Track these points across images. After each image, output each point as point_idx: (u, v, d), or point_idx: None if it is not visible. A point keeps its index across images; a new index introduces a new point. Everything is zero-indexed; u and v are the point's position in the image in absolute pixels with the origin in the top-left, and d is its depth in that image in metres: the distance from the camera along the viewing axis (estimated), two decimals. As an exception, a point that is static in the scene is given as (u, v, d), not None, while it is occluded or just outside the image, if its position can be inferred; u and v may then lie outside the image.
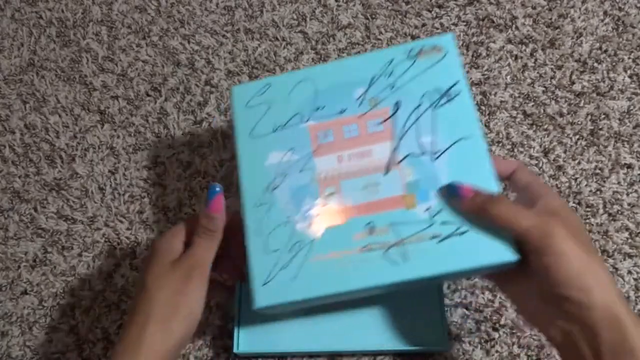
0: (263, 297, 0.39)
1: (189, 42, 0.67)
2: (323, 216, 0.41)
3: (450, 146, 0.41)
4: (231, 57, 0.66)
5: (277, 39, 0.66)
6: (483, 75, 0.62)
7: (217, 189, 0.40)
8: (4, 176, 0.62)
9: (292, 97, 0.45)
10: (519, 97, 0.61)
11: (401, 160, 0.41)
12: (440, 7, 0.66)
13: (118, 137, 0.62)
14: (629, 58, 0.62)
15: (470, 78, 0.62)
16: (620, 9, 0.64)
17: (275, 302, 0.39)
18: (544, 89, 0.61)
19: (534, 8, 0.65)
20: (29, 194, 0.61)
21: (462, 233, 0.38)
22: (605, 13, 0.64)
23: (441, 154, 0.41)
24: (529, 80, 0.61)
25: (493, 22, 0.65)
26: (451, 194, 0.39)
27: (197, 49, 0.66)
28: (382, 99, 0.43)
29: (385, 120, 0.42)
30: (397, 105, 0.43)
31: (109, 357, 0.38)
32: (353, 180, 0.41)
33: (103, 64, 0.67)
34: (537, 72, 0.62)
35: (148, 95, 0.64)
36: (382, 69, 0.44)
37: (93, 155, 0.62)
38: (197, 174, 0.60)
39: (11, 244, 0.58)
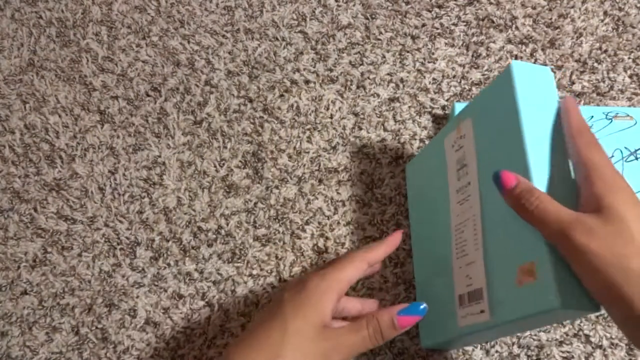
0: None
1: (189, 42, 0.67)
2: None
3: (635, 194, 0.48)
4: (231, 57, 0.66)
5: (277, 39, 0.66)
6: (483, 75, 0.62)
7: (423, 309, 0.39)
8: (4, 176, 0.62)
9: None
10: (519, 97, 0.61)
11: None
12: (440, 7, 0.66)
13: (118, 137, 0.62)
14: (629, 58, 0.62)
15: (471, 78, 0.62)
16: (620, 9, 0.64)
17: None
18: (544, 89, 0.61)
19: (534, 8, 0.65)
20: (29, 194, 0.61)
21: None
22: (605, 13, 0.64)
23: None
24: (529, 80, 0.61)
25: (493, 22, 0.65)
26: (495, 182, 0.37)
27: (197, 49, 0.66)
28: None
29: None
30: None
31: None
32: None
33: (103, 64, 0.67)
34: (537, 72, 0.62)
35: (148, 95, 0.64)
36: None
37: (93, 156, 0.62)
38: (197, 174, 0.60)
39: (11, 244, 0.58)
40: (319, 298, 0.38)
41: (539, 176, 0.37)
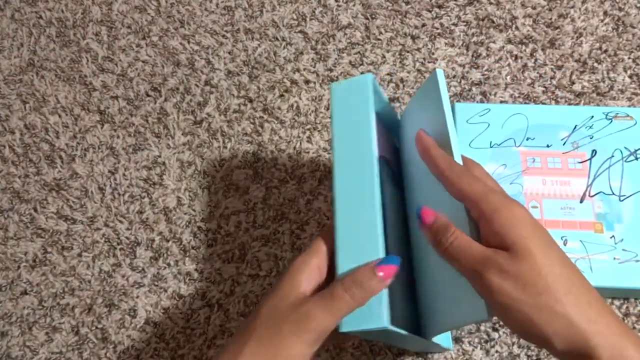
0: None
1: (188, 42, 0.67)
2: None
3: (635, 193, 0.52)
4: (231, 57, 0.66)
5: (277, 39, 0.66)
6: (483, 75, 0.62)
7: (396, 259, 0.36)
8: (4, 176, 0.62)
9: (507, 124, 0.56)
10: (519, 97, 0.61)
11: (594, 195, 0.52)
12: (440, 7, 0.66)
13: (118, 137, 0.62)
14: (629, 58, 0.62)
15: (470, 78, 0.62)
16: (620, 9, 0.64)
17: None
18: (544, 89, 0.61)
19: (534, 8, 0.65)
20: (29, 194, 0.61)
21: (638, 261, 0.49)
22: (605, 13, 0.64)
23: (627, 197, 0.52)
24: (529, 80, 0.61)
25: (493, 22, 0.65)
26: (417, 218, 0.38)
27: (197, 49, 0.66)
28: (581, 145, 0.55)
29: (583, 162, 0.54)
30: (594, 152, 0.54)
31: None
32: (553, 201, 0.53)
33: (103, 64, 0.67)
34: (537, 72, 0.62)
35: (148, 95, 0.64)
36: (584, 121, 0.55)
37: (93, 155, 0.62)
38: (197, 174, 0.60)
39: (11, 244, 0.58)
40: (292, 273, 0.37)
41: (341, 187, 0.38)
